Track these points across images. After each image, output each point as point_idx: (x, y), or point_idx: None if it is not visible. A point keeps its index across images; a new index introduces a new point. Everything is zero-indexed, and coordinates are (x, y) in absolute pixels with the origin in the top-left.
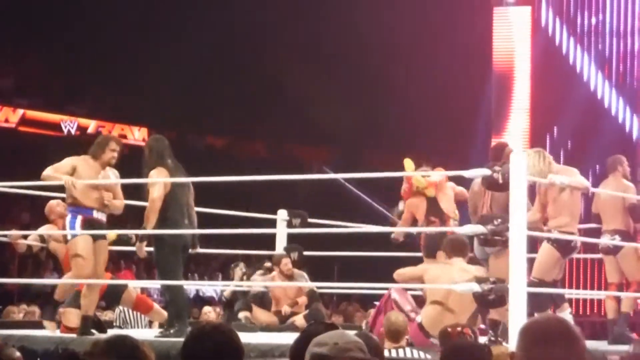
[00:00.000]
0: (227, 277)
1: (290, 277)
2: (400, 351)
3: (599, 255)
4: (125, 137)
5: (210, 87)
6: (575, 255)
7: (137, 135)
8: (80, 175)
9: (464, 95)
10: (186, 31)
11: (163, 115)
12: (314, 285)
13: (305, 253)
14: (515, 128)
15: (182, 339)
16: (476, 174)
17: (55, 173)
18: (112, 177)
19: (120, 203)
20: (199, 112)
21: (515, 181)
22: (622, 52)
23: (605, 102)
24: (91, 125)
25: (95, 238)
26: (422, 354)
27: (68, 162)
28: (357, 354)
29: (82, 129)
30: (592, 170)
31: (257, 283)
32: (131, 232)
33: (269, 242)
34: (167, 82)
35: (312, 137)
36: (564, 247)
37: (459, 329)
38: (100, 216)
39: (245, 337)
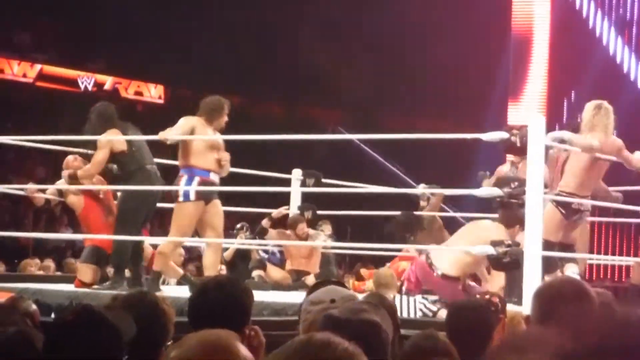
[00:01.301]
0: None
1: (305, 240)
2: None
3: (613, 219)
4: (141, 94)
5: (227, 48)
6: (589, 219)
7: (154, 92)
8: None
9: (481, 60)
10: None
11: (179, 74)
12: (329, 244)
13: (319, 212)
14: (533, 92)
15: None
16: (494, 137)
17: (177, 136)
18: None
19: (228, 165)
20: (214, 71)
21: (533, 144)
22: None
23: (625, 66)
24: (108, 81)
25: (208, 200)
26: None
27: (186, 122)
28: (370, 315)
29: (98, 85)
30: None
31: (272, 242)
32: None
33: (283, 201)
34: (184, 40)
35: (327, 100)
36: (565, 209)
37: (487, 296)
38: (215, 178)
39: (258, 296)
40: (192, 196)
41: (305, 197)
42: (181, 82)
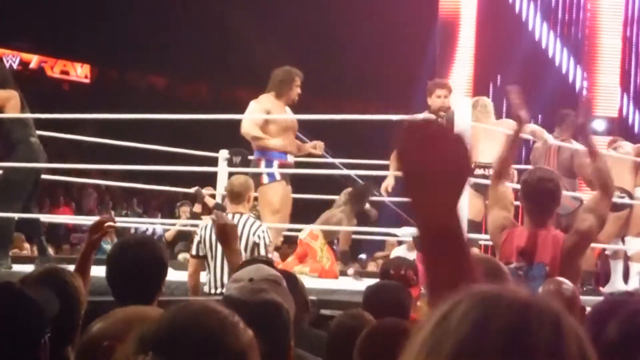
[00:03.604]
0: (168, 216)
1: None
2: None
3: None
4: (67, 73)
5: (153, 28)
6: None
7: (80, 72)
8: (275, 120)
9: (410, 42)
10: None
11: (105, 53)
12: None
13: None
14: (459, 76)
15: None
16: (420, 118)
17: (257, 131)
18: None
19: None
20: (141, 51)
21: (459, 127)
22: (567, 2)
23: (550, 51)
24: (33, 60)
25: (285, 183)
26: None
27: (258, 108)
28: (269, 294)
29: (24, 64)
30: (534, 120)
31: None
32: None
33: (210, 181)
34: (110, 19)
35: (255, 80)
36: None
37: (402, 271)
38: (291, 160)
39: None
40: (278, 176)
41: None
42: (108, 62)
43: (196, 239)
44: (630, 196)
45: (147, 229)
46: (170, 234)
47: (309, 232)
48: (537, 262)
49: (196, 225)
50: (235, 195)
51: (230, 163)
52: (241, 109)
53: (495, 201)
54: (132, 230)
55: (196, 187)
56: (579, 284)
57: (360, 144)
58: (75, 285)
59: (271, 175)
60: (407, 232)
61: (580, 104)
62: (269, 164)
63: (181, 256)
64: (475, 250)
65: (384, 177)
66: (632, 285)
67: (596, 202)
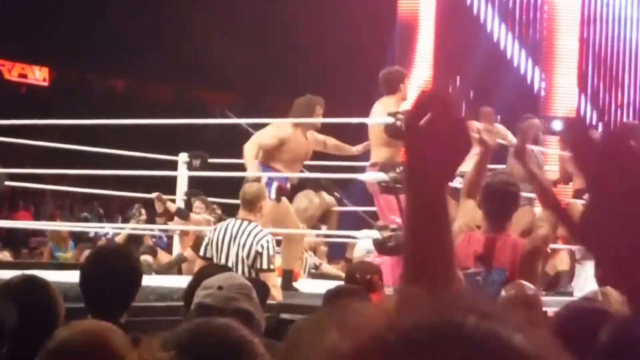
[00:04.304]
0: (127, 220)
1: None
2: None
3: None
4: (25, 76)
5: (112, 29)
6: None
7: (38, 75)
8: (287, 148)
9: (368, 43)
10: None
11: (65, 56)
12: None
13: (210, 199)
14: (419, 77)
15: None
16: (379, 121)
17: (251, 153)
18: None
19: None
20: (100, 53)
21: None
22: (525, 3)
23: (508, 53)
24: None
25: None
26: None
27: (272, 133)
28: (242, 304)
29: None
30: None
31: (158, 226)
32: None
33: (170, 185)
34: (68, 21)
35: (216, 82)
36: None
37: (368, 276)
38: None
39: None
40: (273, 194)
41: (194, 183)
42: (66, 65)
43: (205, 240)
44: None
45: (107, 233)
46: (121, 237)
47: None
48: (496, 267)
49: (151, 230)
50: (247, 203)
51: (190, 166)
52: (203, 111)
53: (462, 215)
54: (92, 234)
55: (157, 193)
56: (539, 287)
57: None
58: (53, 295)
59: (268, 185)
60: (367, 235)
61: (518, 129)
62: (270, 182)
63: (142, 258)
64: None
65: (343, 180)
66: (590, 287)
67: (549, 214)
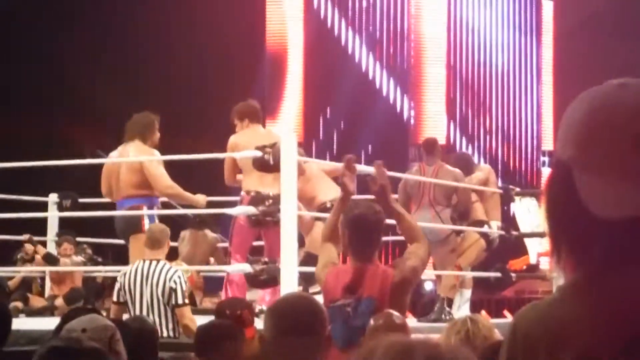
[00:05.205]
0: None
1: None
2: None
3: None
4: None
5: None
6: None
7: None
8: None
9: (239, 77)
10: None
11: None
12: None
13: (80, 239)
14: (289, 110)
15: None
16: (247, 155)
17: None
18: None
19: None
20: None
21: (286, 162)
22: (392, 33)
23: (377, 83)
24: None
25: None
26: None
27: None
28: (89, 343)
29: None
30: (365, 151)
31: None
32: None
33: (41, 227)
34: None
35: (83, 117)
36: None
37: (238, 311)
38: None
39: (15, 324)
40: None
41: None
42: None
43: (116, 286)
44: (488, 224)
45: None
46: (14, 281)
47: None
48: (365, 297)
49: (34, 271)
50: (155, 242)
51: (61, 207)
52: (73, 148)
53: (323, 257)
54: None
55: (27, 235)
56: (406, 317)
57: (189, 181)
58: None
59: (151, 218)
60: (239, 269)
61: (375, 168)
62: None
63: (11, 305)
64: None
65: (220, 215)
66: (463, 312)
67: (417, 248)
